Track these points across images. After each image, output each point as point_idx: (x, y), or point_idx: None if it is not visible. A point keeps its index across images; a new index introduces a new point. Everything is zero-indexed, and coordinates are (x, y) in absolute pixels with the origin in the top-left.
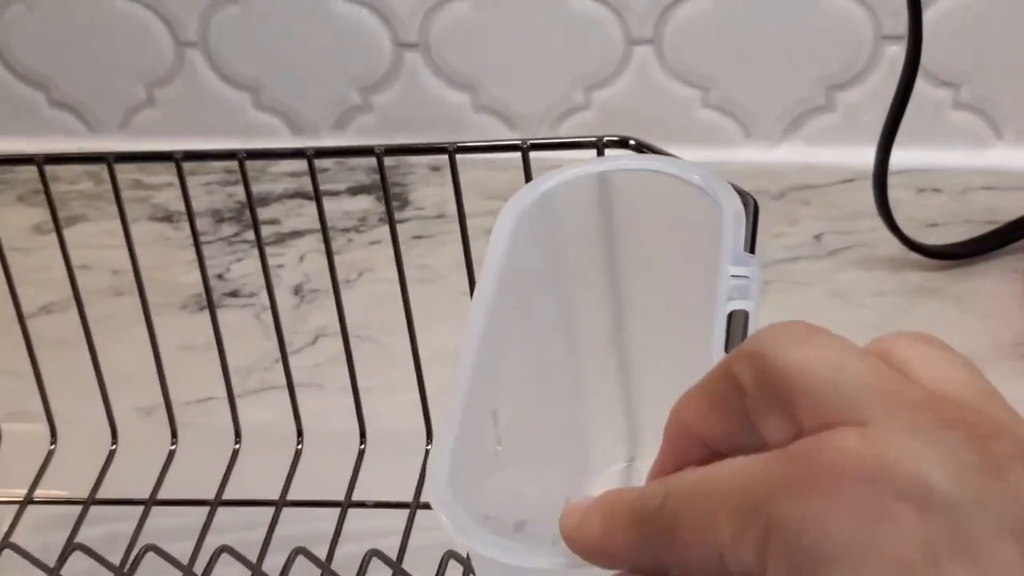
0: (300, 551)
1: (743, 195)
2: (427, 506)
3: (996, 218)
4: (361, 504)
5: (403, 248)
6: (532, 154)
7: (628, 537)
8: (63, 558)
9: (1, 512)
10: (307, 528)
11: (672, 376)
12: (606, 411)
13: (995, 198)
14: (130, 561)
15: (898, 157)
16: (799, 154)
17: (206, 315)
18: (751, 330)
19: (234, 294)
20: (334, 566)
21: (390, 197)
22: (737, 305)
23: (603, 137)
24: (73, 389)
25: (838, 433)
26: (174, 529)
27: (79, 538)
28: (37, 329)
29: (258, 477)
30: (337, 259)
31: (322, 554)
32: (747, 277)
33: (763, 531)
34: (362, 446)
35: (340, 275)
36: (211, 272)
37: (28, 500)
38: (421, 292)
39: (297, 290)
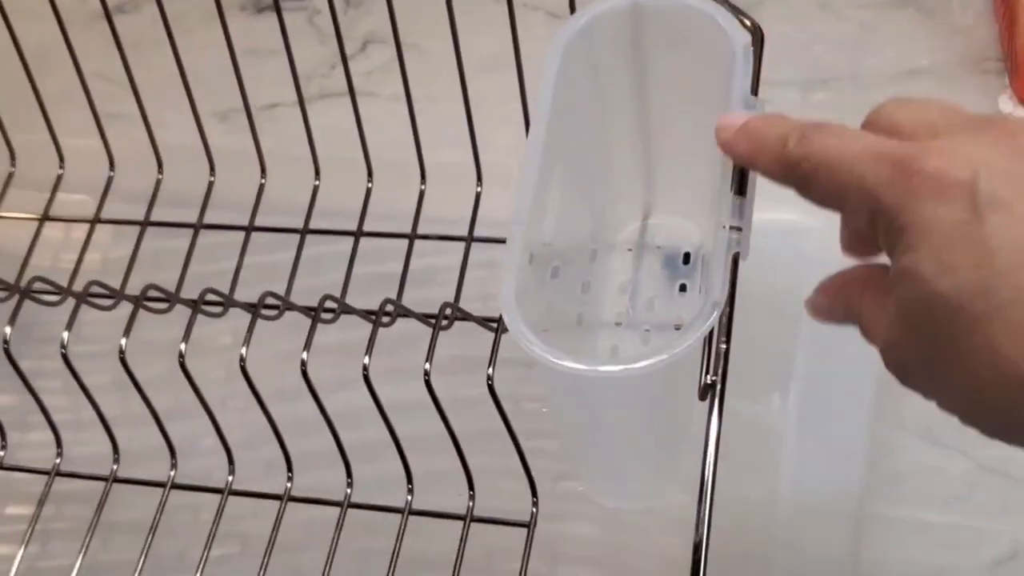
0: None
1: (752, 27)
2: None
3: None
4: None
5: None
6: None
7: (771, 167)
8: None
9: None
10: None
11: (683, 158)
12: (629, 182)
13: None
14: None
15: None
16: None
17: (265, 18)
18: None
19: None
20: None
21: None
22: None
23: None
24: (154, 92)
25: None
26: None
27: None
28: (117, 28)
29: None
30: None
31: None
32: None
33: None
34: (423, 187)
35: None
36: None
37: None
38: None
39: None
